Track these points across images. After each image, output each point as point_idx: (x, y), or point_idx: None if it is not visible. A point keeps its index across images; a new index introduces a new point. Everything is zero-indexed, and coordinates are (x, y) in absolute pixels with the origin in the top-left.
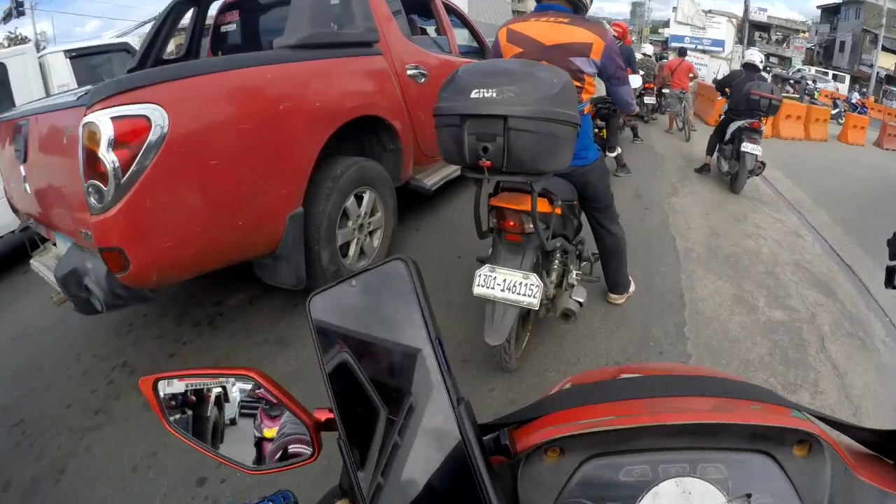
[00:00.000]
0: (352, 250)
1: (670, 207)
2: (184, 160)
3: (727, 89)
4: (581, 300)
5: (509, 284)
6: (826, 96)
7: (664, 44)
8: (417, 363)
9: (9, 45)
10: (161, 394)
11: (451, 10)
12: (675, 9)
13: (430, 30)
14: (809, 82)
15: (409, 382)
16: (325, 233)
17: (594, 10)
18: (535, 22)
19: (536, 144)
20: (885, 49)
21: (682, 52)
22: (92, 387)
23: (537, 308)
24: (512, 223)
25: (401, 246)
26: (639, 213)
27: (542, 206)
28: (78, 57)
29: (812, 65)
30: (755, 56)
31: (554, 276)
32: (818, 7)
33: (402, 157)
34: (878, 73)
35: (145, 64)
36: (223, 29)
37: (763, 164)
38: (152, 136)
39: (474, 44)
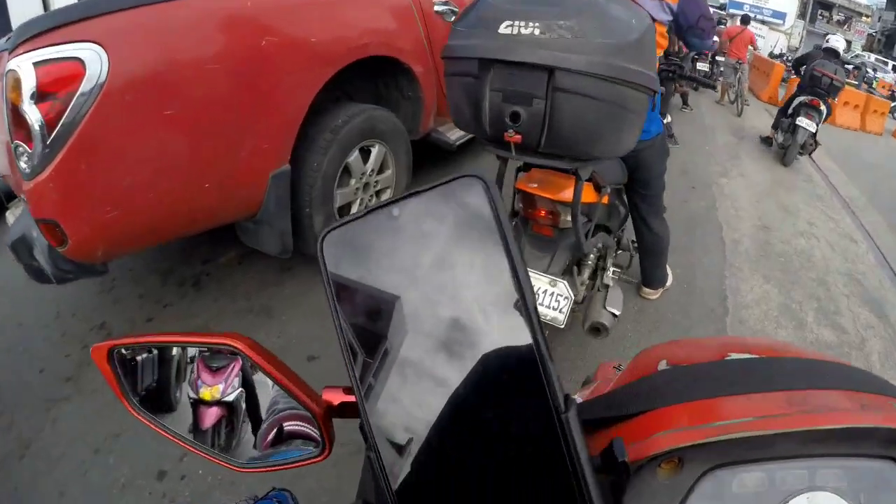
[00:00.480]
0: (353, 210)
1: (718, 189)
2: (129, 112)
3: (801, 68)
4: (617, 312)
5: None
6: (884, 87)
7: (721, 8)
8: (496, 328)
9: None
10: (119, 366)
11: None
12: None
13: None
14: (869, 70)
15: (483, 359)
16: (320, 193)
17: None
18: None
19: (595, 116)
20: None
21: (745, 20)
22: (66, 350)
23: (563, 326)
24: (543, 212)
25: None
26: (684, 193)
27: (587, 194)
28: None
29: (872, 52)
30: (838, 43)
31: (586, 275)
32: None
33: (423, 107)
34: None
35: None
36: None
37: (816, 142)
38: (86, 84)
39: None
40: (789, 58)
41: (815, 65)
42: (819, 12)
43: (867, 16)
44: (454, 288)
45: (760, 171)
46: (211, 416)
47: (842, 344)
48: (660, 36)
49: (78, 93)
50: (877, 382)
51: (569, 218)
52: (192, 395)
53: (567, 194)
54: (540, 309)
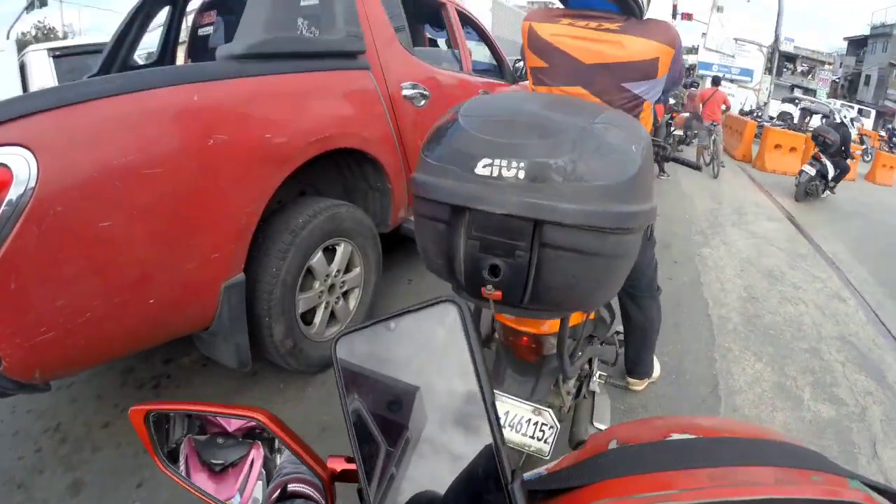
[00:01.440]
0: (318, 317)
1: (701, 261)
2: (62, 224)
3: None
4: (604, 427)
5: (514, 420)
6: (874, 137)
7: (689, 70)
8: (463, 421)
9: (36, 35)
10: (153, 427)
11: (468, 21)
12: (704, 34)
13: (442, 42)
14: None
15: (451, 443)
16: (279, 301)
17: None
18: (570, 26)
19: (588, 272)
20: None
21: (716, 81)
22: (20, 451)
23: (548, 457)
24: (525, 341)
25: (387, 303)
26: (668, 269)
27: (574, 316)
28: (63, 56)
29: (836, 97)
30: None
31: (571, 384)
32: (845, 39)
33: (392, 199)
34: None
35: (109, 69)
36: (201, 32)
37: (828, 187)
38: (13, 193)
39: (493, 61)
40: (759, 114)
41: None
42: (784, 65)
43: (829, 63)
44: (434, 387)
45: (742, 237)
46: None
47: (841, 418)
48: (646, 111)
49: (3, 203)
50: (805, 457)
51: (552, 343)
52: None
53: (549, 327)
54: (523, 439)
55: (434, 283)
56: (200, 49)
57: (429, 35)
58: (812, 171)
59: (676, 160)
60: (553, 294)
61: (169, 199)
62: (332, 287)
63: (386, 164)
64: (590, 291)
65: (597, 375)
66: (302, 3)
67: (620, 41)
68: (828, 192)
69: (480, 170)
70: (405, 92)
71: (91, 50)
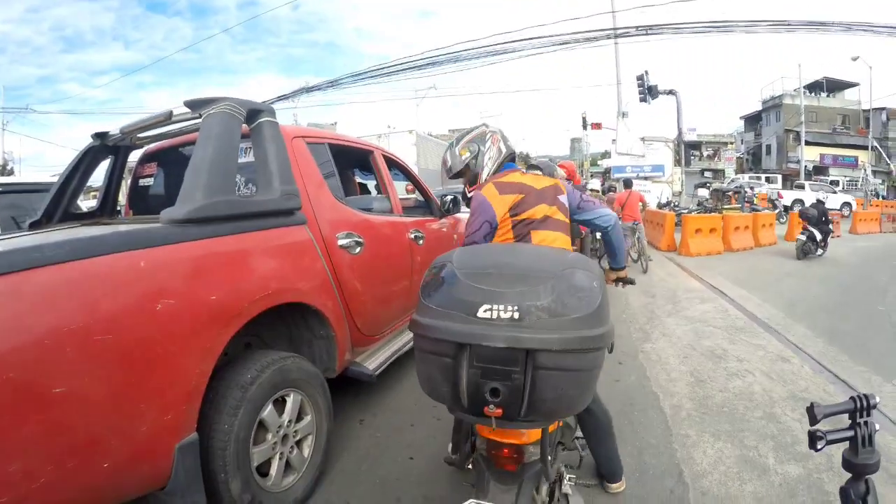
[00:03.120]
0: (274, 468)
1: (645, 357)
2: (10, 393)
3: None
4: None
5: None
6: (763, 199)
7: (604, 174)
8: None
9: None
10: None
11: (394, 164)
12: (614, 141)
13: (371, 185)
14: (748, 190)
15: None
16: (234, 457)
17: (537, 149)
18: (516, 174)
19: (573, 386)
20: (808, 143)
21: (627, 184)
22: None
23: None
24: (506, 452)
25: (341, 446)
26: (614, 371)
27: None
28: (1, 193)
29: (743, 172)
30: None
31: (544, 491)
32: (741, 118)
33: (336, 344)
34: (805, 166)
35: (52, 217)
36: (142, 182)
37: (810, 246)
38: None
39: (421, 198)
40: (675, 203)
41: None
42: (691, 153)
43: (731, 143)
44: None
45: (679, 325)
46: None
47: (810, 472)
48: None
49: None
50: None
51: (531, 451)
52: None
53: (529, 436)
54: None
55: (386, 421)
56: (141, 198)
57: (358, 179)
58: (804, 237)
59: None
60: (546, 405)
61: (120, 363)
62: (285, 437)
63: (328, 312)
64: (574, 399)
65: (567, 479)
66: (240, 161)
67: (538, 178)
68: (821, 250)
69: (482, 313)
70: (340, 242)
71: (30, 189)
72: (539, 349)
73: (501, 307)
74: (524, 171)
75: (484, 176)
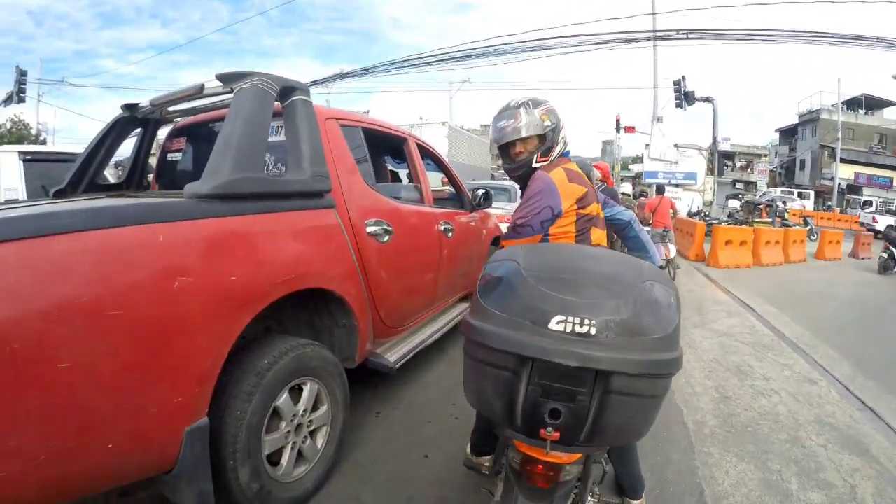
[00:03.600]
0: (285, 457)
1: None
2: (18, 364)
3: None
4: None
5: None
6: (795, 215)
7: (635, 179)
8: None
9: (10, 129)
10: None
11: (427, 154)
12: (647, 145)
13: (403, 174)
14: (780, 204)
15: None
16: (245, 445)
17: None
18: (573, 165)
19: (639, 411)
20: (843, 161)
21: (660, 190)
22: None
23: None
24: (541, 469)
25: (355, 438)
26: None
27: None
28: (34, 161)
29: (775, 185)
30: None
31: None
32: (776, 130)
33: (358, 334)
34: (839, 184)
35: (77, 187)
36: (170, 157)
37: (891, 264)
38: None
39: (453, 190)
40: (707, 213)
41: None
42: (724, 163)
43: (765, 155)
44: None
45: (706, 337)
46: None
47: (833, 502)
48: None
49: None
50: None
51: (568, 471)
52: None
53: (570, 455)
54: None
55: (403, 416)
56: (168, 173)
57: (390, 167)
58: (885, 255)
59: None
60: (610, 432)
61: (131, 341)
62: (299, 427)
63: (352, 301)
64: (640, 427)
65: (590, 496)
66: (270, 140)
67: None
68: None
69: (554, 325)
70: (369, 229)
71: (62, 158)
72: (615, 371)
73: (577, 320)
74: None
75: (555, 153)
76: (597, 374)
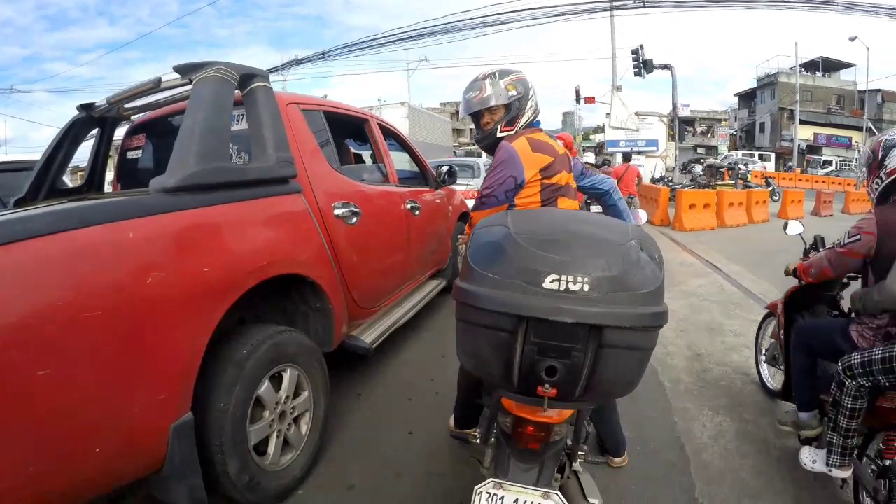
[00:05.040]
0: (271, 446)
1: None
2: None
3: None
4: (597, 502)
5: None
6: (756, 176)
7: (597, 148)
8: None
9: None
10: None
11: (389, 133)
12: (608, 115)
13: (366, 155)
14: (741, 167)
15: None
16: (230, 436)
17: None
18: (543, 134)
19: (632, 363)
20: (802, 122)
21: (626, 157)
22: None
23: None
24: (532, 430)
25: (338, 422)
26: None
27: None
28: None
29: (736, 149)
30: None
31: (555, 469)
32: (735, 95)
33: (333, 318)
34: (798, 145)
35: (37, 193)
36: (130, 155)
37: None
38: None
39: (415, 168)
40: (670, 178)
41: None
42: (685, 129)
43: (725, 119)
44: None
45: (675, 299)
46: None
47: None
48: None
49: None
50: None
51: (558, 430)
52: None
53: (561, 414)
54: None
55: (384, 395)
56: (129, 172)
57: (353, 150)
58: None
59: None
60: (605, 385)
61: (109, 342)
62: (282, 414)
63: (324, 285)
64: (632, 379)
65: (577, 454)
66: (233, 129)
67: (556, 142)
68: None
69: (548, 284)
70: (337, 211)
71: (18, 167)
72: (608, 325)
73: (570, 278)
74: (539, 130)
75: (521, 123)
76: (590, 330)
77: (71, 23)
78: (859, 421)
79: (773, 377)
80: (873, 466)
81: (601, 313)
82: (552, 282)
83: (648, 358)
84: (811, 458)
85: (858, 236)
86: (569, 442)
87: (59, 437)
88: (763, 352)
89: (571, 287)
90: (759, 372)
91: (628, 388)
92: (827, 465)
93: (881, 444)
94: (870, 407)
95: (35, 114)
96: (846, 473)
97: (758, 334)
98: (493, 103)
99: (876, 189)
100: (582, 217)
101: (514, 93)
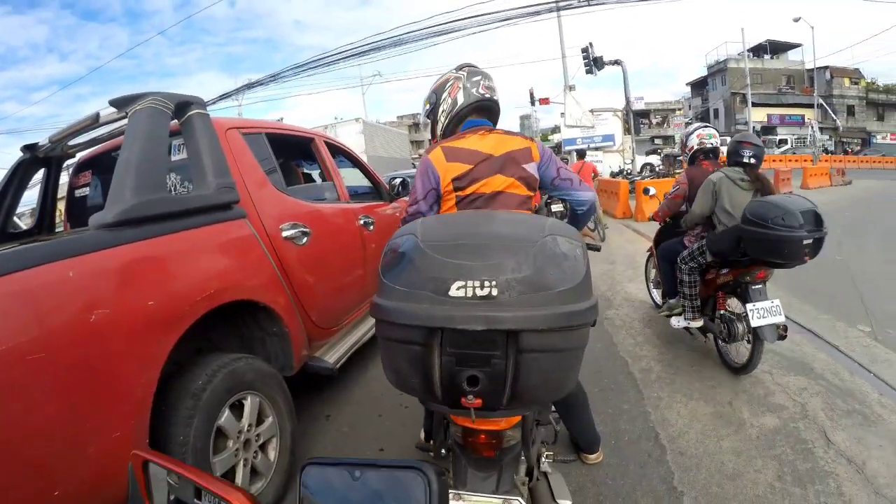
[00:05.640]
0: (239, 475)
1: (610, 323)
2: None
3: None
4: (567, 503)
5: None
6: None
7: (556, 149)
8: None
9: None
10: (151, 478)
11: (338, 150)
12: (562, 114)
13: (316, 174)
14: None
15: None
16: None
17: None
18: (474, 136)
19: (558, 366)
20: (754, 105)
21: (581, 154)
22: None
23: None
24: (484, 438)
25: (308, 444)
26: None
27: None
28: None
29: None
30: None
31: (523, 471)
32: (687, 84)
33: (291, 341)
34: (753, 127)
35: None
36: (78, 193)
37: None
38: None
39: (367, 183)
40: (629, 171)
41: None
42: (640, 122)
43: (679, 109)
44: None
45: (641, 289)
46: None
47: (786, 422)
48: (536, 198)
49: None
50: None
51: (510, 436)
52: None
53: (507, 422)
54: None
55: (353, 414)
56: (79, 210)
57: (303, 170)
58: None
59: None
60: (531, 392)
61: (57, 382)
62: (247, 442)
63: (278, 308)
64: (562, 382)
65: (544, 456)
66: (172, 159)
67: (509, 138)
68: None
69: (455, 292)
70: (285, 233)
71: None
72: (523, 329)
73: (477, 283)
74: (489, 130)
75: (438, 132)
76: (507, 336)
77: (21, 61)
78: (697, 290)
79: (658, 296)
80: (717, 319)
81: (513, 317)
82: (458, 289)
83: (580, 357)
84: (677, 322)
85: (678, 186)
86: (538, 447)
87: (14, 484)
88: (650, 280)
89: (479, 292)
90: (649, 293)
91: (558, 391)
92: (685, 320)
93: (716, 303)
94: (705, 282)
95: None
96: (699, 323)
97: (646, 267)
98: (421, 123)
99: (686, 158)
100: (494, 216)
101: (427, 107)
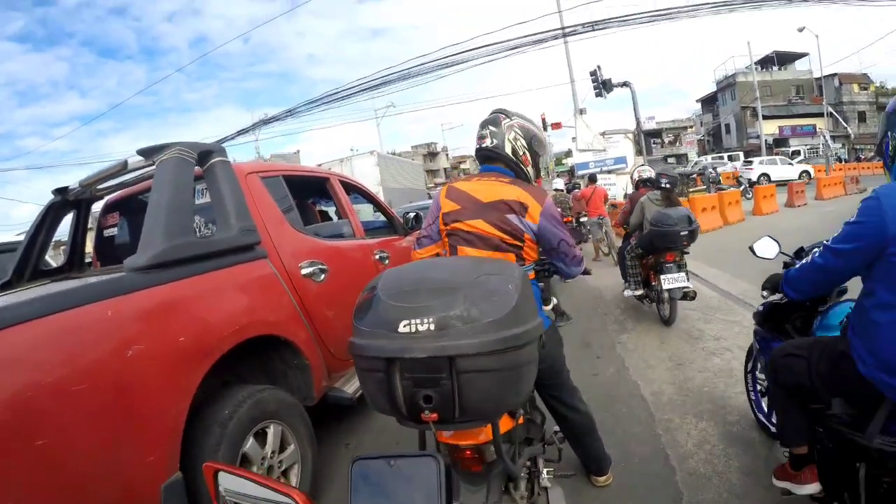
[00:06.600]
0: None
1: (623, 348)
2: None
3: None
4: None
5: None
6: (728, 178)
7: (570, 173)
8: None
9: None
10: (221, 487)
11: (352, 188)
12: (574, 139)
13: (332, 212)
14: (711, 171)
15: None
16: None
17: None
18: (478, 181)
19: (497, 383)
20: (765, 118)
21: (592, 179)
22: None
23: None
24: (468, 454)
25: (329, 472)
26: (592, 366)
27: (504, 423)
28: None
29: (705, 153)
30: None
31: (523, 487)
32: (697, 100)
33: (311, 372)
34: (765, 140)
35: (22, 276)
36: (106, 233)
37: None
38: None
39: (382, 218)
40: None
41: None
42: (652, 141)
43: (691, 127)
44: None
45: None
46: None
47: None
48: (529, 245)
49: None
50: None
51: (492, 450)
52: None
53: (486, 435)
54: None
55: (372, 442)
56: (108, 249)
57: (320, 208)
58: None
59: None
60: (476, 406)
61: (98, 411)
62: (270, 469)
63: (298, 342)
64: (504, 397)
65: (544, 472)
66: (196, 203)
67: (507, 188)
68: None
69: (402, 329)
70: (304, 271)
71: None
72: (458, 355)
73: (418, 321)
74: (496, 177)
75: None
76: (450, 360)
77: (42, 97)
78: (637, 271)
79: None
80: (651, 289)
81: (448, 346)
82: (404, 326)
83: (521, 376)
84: (625, 292)
85: (627, 205)
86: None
87: (61, 499)
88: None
89: (419, 328)
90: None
91: (504, 405)
92: (630, 290)
93: (649, 279)
94: (643, 266)
95: (12, 191)
96: (640, 292)
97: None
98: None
99: (633, 185)
100: (442, 263)
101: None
